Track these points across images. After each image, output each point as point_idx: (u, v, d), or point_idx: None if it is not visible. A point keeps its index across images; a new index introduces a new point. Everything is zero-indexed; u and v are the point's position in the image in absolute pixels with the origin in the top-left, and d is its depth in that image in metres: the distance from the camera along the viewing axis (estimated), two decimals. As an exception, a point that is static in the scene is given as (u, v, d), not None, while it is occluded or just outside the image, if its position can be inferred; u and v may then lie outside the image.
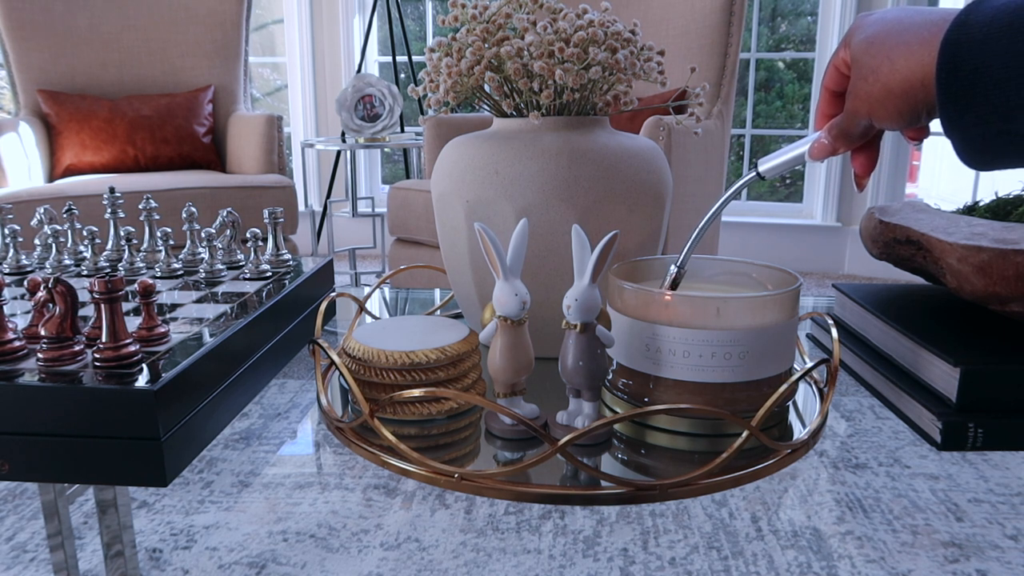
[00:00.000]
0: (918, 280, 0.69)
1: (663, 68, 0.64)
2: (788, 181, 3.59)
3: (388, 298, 0.93)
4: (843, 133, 0.49)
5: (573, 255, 0.49)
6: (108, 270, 0.73)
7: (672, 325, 0.49)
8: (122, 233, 0.73)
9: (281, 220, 0.75)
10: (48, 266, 0.75)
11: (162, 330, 0.53)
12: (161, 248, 0.73)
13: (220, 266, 0.73)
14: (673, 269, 0.55)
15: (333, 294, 0.74)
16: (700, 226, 0.54)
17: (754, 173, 0.54)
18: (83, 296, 0.60)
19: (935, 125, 0.46)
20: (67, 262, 0.76)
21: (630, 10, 2.25)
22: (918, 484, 1.40)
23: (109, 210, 0.76)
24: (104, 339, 0.48)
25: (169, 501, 1.35)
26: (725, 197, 0.54)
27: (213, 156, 2.65)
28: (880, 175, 3.18)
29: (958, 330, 0.57)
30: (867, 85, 0.45)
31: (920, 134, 0.48)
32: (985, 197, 0.66)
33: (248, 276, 0.72)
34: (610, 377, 0.55)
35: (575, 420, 0.50)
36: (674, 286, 0.55)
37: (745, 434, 0.45)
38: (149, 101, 2.59)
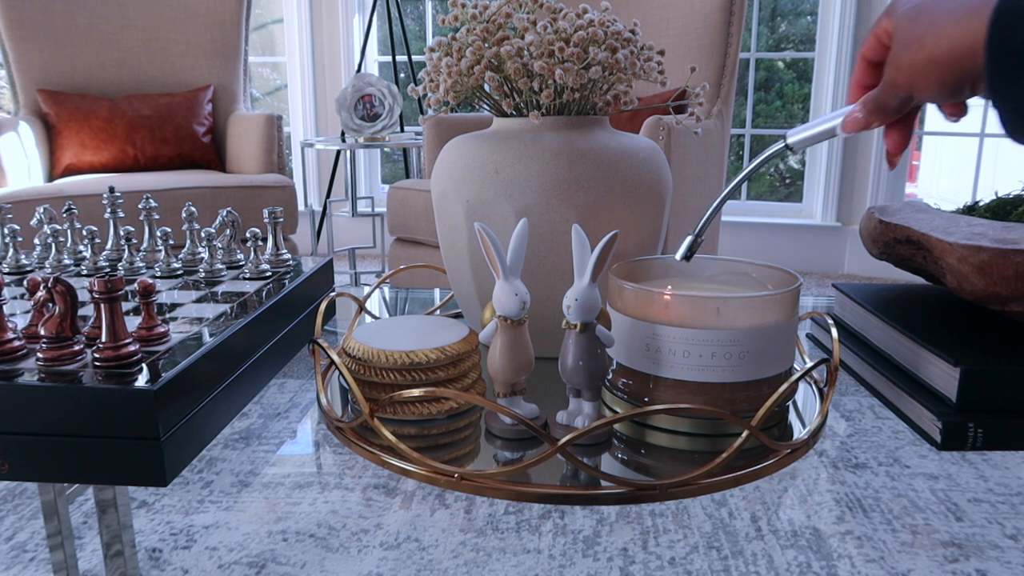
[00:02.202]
0: (918, 280, 0.69)
1: (663, 68, 0.64)
2: (788, 180, 3.60)
3: (388, 298, 0.93)
4: (879, 106, 0.47)
5: (573, 255, 0.49)
6: (108, 270, 0.73)
7: (672, 325, 0.49)
8: (122, 233, 0.73)
9: (281, 220, 0.75)
10: (48, 266, 0.75)
11: (162, 330, 0.53)
12: (161, 248, 0.73)
13: (220, 266, 0.73)
14: (690, 238, 0.54)
15: (333, 294, 0.74)
16: (722, 196, 0.53)
17: (782, 144, 0.52)
18: (83, 296, 0.60)
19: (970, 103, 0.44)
20: (67, 262, 0.75)
21: (630, 10, 2.25)
22: (918, 484, 1.40)
23: (109, 210, 0.76)
24: (104, 339, 0.48)
25: (169, 501, 1.35)
26: (750, 168, 0.53)
27: (213, 156, 2.65)
28: (880, 175, 3.18)
29: (958, 330, 0.56)
30: (910, 54, 0.43)
31: (959, 110, 0.47)
32: (985, 197, 0.66)
33: (248, 276, 0.72)
34: (610, 377, 0.55)
35: (575, 420, 0.50)
36: (690, 255, 0.54)
37: (745, 434, 0.45)
38: (149, 101, 2.59)
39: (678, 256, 0.55)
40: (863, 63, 0.50)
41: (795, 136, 0.52)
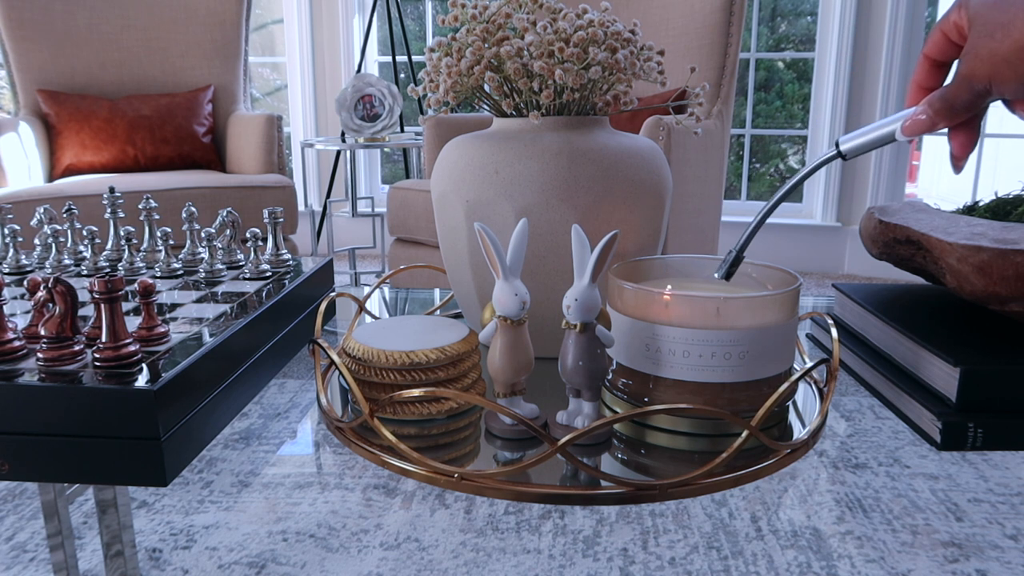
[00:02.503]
0: (918, 280, 0.69)
1: (663, 68, 0.64)
2: (788, 180, 3.59)
3: (388, 298, 0.93)
4: (948, 105, 0.45)
5: (573, 255, 0.49)
6: (108, 270, 0.73)
7: (672, 325, 0.49)
8: (122, 233, 0.73)
9: (281, 220, 0.75)
10: (48, 266, 0.75)
11: (162, 330, 0.53)
12: (161, 248, 0.73)
13: (220, 266, 0.73)
14: (731, 254, 0.53)
15: (333, 294, 0.74)
16: (767, 207, 0.52)
17: (835, 151, 0.50)
18: (83, 296, 0.60)
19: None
20: (67, 262, 0.76)
21: (630, 10, 2.25)
22: (918, 484, 1.40)
23: (109, 210, 0.76)
24: (104, 339, 0.48)
25: (169, 501, 1.35)
26: (797, 177, 0.51)
27: (213, 156, 2.65)
28: (880, 175, 3.18)
29: (958, 330, 0.56)
30: (993, 42, 0.41)
31: None
32: (985, 197, 0.66)
33: (248, 276, 0.72)
34: (610, 377, 0.55)
35: (575, 420, 0.50)
36: (730, 273, 0.53)
37: (745, 434, 0.45)
38: (149, 101, 2.59)
39: (717, 275, 0.53)
40: (926, 63, 0.48)
41: (849, 143, 0.49)
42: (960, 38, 0.45)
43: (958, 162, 0.48)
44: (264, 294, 0.66)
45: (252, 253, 0.72)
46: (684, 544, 1.23)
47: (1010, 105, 0.45)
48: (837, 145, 0.50)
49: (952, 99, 0.45)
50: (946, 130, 0.48)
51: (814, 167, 0.51)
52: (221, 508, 1.33)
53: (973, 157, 3.13)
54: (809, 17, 3.41)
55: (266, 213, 0.74)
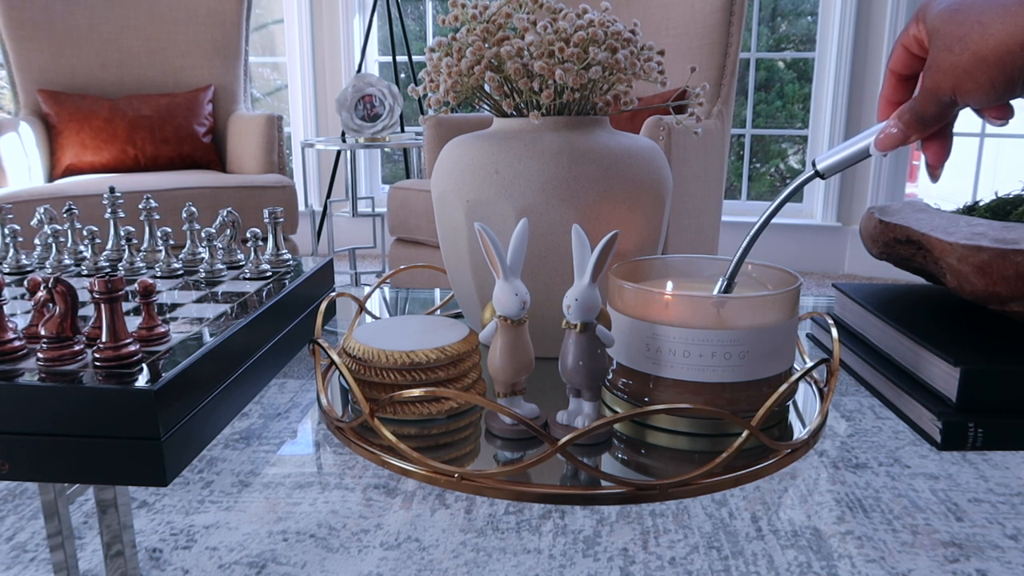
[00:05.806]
0: (918, 280, 0.69)
1: (663, 68, 0.64)
2: (788, 180, 3.59)
3: (388, 298, 0.93)
4: (918, 117, 0.45)
5: (573, 255, 0.49)
6: (108, 270, 0.73)
7: (672, 325, 0.49)
8: (122, 233, 0.73)
9: (281, 220, 0.75)
10: (48, 266, 0.75)
11: (162, 330, 0.53)
12: (161, 248, 0.73)
13: (220, 266, 0.73)
14: (722, 282, 0.53)
15: (333, 294, 0.74)
16: (750, 235, 0.52)
17: (812, 171, 0.51)
18: (83, 296, 0.60)
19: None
20: (67, 262, 0.76)
21: (630, 10, 2.25)
22: (918, 484, 1.40)
23: (109, 210, 0.76)
24: (104, 339, 0.48)
25: (169, 501, 1.35)
26: (778, 200, 0.52)
27: (213, 156, 2.65)
28: (880, 175, 3.18)
29: (958, 330, 0.56)
30: (953, 56, 0.42)
31: (1004, 113, 0.44)
32: (985, 197, 0.66)
33: (248, 276, 0.72)
34: (610, 377, 0.55)
35: (575, 420, 0.50)
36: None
37: (745, 434, 0.45)
38: (149, 101, 2.59)
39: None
40: (892, 78, 0.48)
41: (825, 161, 0.50)
42: (922, 51, 0.46)
43: (934, 171, 0.49)
44: (264, 294, 0.66)
45: (252, 253, 0.72)
46: (684, 544, 1.23)
47: (979, 112, 0.45)
48: (814, 164, 0.51)
49: (921, 111, 0.45)
50: (919, 142, 0.48)
51: (793, 188, 0.52)
52: (221, 508, 1.33)
53: (973, 157, 3.13)
54: (809, 17, 3.41)
55: (266, 213, 0.74)
